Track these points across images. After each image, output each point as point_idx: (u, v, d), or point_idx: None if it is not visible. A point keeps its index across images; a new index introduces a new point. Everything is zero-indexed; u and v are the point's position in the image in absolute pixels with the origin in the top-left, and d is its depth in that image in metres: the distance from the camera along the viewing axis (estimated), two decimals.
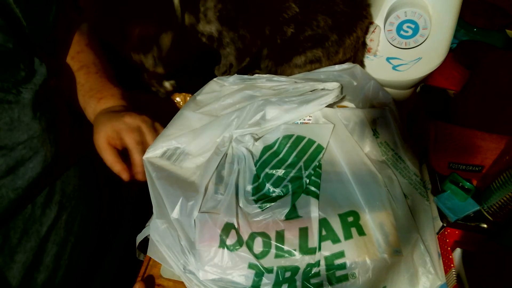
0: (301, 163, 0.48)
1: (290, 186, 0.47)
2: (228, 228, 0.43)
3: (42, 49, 0.54)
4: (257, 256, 0.42)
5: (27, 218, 0.49)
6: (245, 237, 0.43)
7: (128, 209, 0.72)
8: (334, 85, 0.53)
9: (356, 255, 0.42)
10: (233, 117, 0.51)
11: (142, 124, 0.56)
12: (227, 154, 0.51)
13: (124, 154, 0.55)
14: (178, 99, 0.73)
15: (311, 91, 0.54)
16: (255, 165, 0.49)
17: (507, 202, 0.44)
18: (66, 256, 0.54)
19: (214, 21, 0.56)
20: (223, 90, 0.58)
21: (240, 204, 0.46)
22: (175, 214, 0.45)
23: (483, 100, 0.57)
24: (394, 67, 0.63)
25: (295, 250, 0.42)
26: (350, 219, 0.44)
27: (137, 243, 0.50)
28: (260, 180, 0.48)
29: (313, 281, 0.42)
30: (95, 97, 0.59)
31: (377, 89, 0.57)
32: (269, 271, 0.42)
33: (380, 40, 0.61)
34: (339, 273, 0.42)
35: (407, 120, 0.66)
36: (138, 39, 0.55)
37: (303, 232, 0.43)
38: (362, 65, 0.65)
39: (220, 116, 0.53)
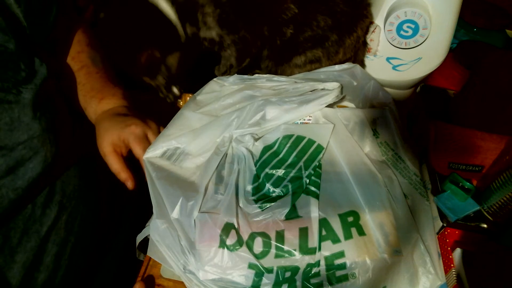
0: (301, 163, 0.48)
1: (290, 186, 0.47)
2: (228, 228, 0.43)
3: (42, 49, 0.54)
4: (257, 256, 0.42)
5: (27, 218, 0.49)
6: (245, 237, 0.43)
7: (128, 209, 0.72)
8: (334, 85, 0.53)
9: (356, 255, 0.42)
10: (233, 117, 0.51)
11: (149, 131, 0.56)
12: (227, 154, 0.51)
13: (128, 160, 0.56)
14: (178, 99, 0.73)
15: (311, 91, 0.54)
16: (255, 165, 0.49)
17: (507, 202, 0.44)
18: (66, 256, 0.54)
19: (215, 26, 0.56)
20: (223, 90, 0.58)
21: (240, 204, 0.46)
22: (175, 214, 0.45)
23: (483, 100, 0.57)
24: (394, 67, 0.63)
25: (295, 250, 0.42)
26: (350, 219, 0.44)
27: (137, 243, 0.50)
28: (260, 180, 0.48)
29: (313, 281, 0.42)
30: (96, 97, 0.59)
31: (377, 89, 0.57)
32: (269, 271, 0.42)
33: (380, 40, 0.61)
34: (339, 273, 0.42)
35: (407, 120, 0.66)
36: (146, 65, 0.57)
37: (303, 232, 0.43)
38: (362, 65, 0.65)
39: (220, 116, 0.53)
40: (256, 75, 0.59)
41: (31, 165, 0.47)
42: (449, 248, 0.46)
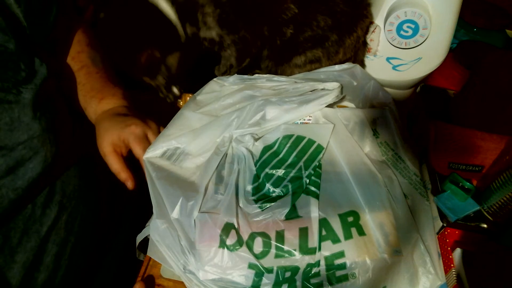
0: (301, 163, 0.48)
1: (290, 186, 0.47)
2: (228, 228, 0.43)
3: (42, 49, 0.54)
4: (257, 256, 0.42)
5: (27, 218, 0.49)
6: (245, 237, 0.43)
7: (128, 209, 0.72)
8: (334, 85, 0.53)
9: (356, 255, 0.42)
10: (233, 117, 0.51)
11: (149, 131, 0.56)
12: (227, 154, 0.51)
13: (128, 160, 0.56)
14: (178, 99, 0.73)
15: (311, 91, 0.54)
16: (255, 165, 0.49)
17: (507, 202, 0.44)
18: (66, 256, 0.54)
19: (215, 26, 0.56)
20: (223, 90, 0.58)
21: (240, 204, 0.46)
22: (175, 214, 0.45)
23: (483, 100, 0.57)
24: (394, 67, 0.63)
25: (295, 250, 0.42)
26: (350, 219, 0.44)
27: (137, 243, 0.50)
28: (260, 180, 0.48)
29: (313, 281, 0.42)
30: (96, 97, 0.59)
31: (377, 89, 0.57)
32: (269, 271, 0.42)
33: (380, 40, 0.61)
34: (339, 273, 0.42)
35: (407, 120, 0.66)
36: (146, 65, 0.57)
37: (303, 232, 0.43)
38: (362, 65, 0.65)
39: (220, 116, 0.53)
40: (256, 75, 0.59)
41: (31, 165, 0.47)
42: (449, 248, 0.46)
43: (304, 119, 0.51)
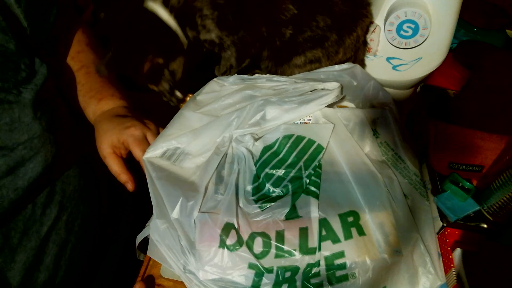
0: (301, 163, 0.48)
1: (290, 186, 0.47)
2: (228, 228, 0.43)
3: (42, 49, 0.54)
4: (257, 256, 0.42)
5: (27, 218, 0.49)
6: (245, 237, 0.43)
7: (128, 209, 0.72)
8: (334, 85, 0.53)
9: (356, 255, 0.42)
10: (233, 117, 0.51)
11: (148, 133, 0.56)
12: (227, 154, 0.51)
13: (127, 161, 0.56)
14: None
15: (311, 91, 0.54)
16: (255, 165, 0.49)
17: (507, 202, 0.44)
18: (66, 256, 0.54)
19: (214, 29, 0.56)
20: (223, 90, 0.58)
21: (240, 204, 0.46)
22: (175, 214, 0.45)
23: (483, 100, 0.57)
24: (394, 67, 0.63)
25: (295, 250, 0.42)
26: (350, 219, 0.44)
27: (137, 243, 0.50)
28: (260, 180, 0.48)
29: (313, 281, 0.42)
30: (95, 98, 0.59)
31: (377, 89, 0.57)
32: (269, 271, 0.42)
33: (380, 40, 0.61)
34: (339, 273, 0.42)
35: (407, 120, 0.66)
36: (149, 72, 0.57)
37: (303, 232, 0.43)
38: (362, 64, 0.65)
39: (220, 116, 0.53)
40: (256, 75, 0.59)
41: (31, 165, 0.47)
42: (449, 248, 0.46)
43: (304, 119, 0.51)
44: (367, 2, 0.61)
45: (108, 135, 0.54)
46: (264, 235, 0.43)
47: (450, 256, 0.45)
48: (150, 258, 0.53)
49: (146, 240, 0.49)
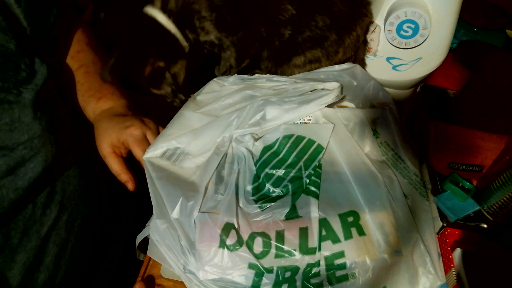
0: (301, 163, 0.48)
1: (290, 186, 0.47)
2: (228, 228, 0.43)
3: (42, 49, 0.54)
4: (257, 256, 0.42)
5: (27, 218, 0.49)
6: (245, 237, 0.43)
7: (128, 209, 0.72)
8: (334, 85, 0.53)
9: (356, 255, 0.42)
10: (233, 117, 0.51)
11: (148, 132, 0.56)
12: (227, 154, 0.51)
13: (127, 161, 0.56)
14: None
15: (311, 91, 0.54)
16: (255, 165, 0.49)
17: (507, 202, 0.44)
18: (66, 256, 0.54)
19: (213, 30, 0.56)
20: (223, 90, 0.58)
21: (240, 204, 0.46)
22: (175, 214, 0.45)
23: (483, 100, 0.57)
24: (394, 67, 0.63)
25: (295, 250, 0.42)
26: (350, 219, 0.44)
27: (137, 243, 0.50)
28: (260, 180, 0.48)
29: (313, 281, 0.42)
30: (94, 97, 0.59)
31: (377, 89, 0.57)
32: (269, 271, 0.42)
33: (380, 40, 0.61)
34: (339, 273, 0.42)
35: (407, 120, 0.66)
36: (151, 76, 0.57)
37: (303, 232, 0.43)
38: (363, 64, 0.65)
39: (220, 116, 0.53)
40: (256, 75, 0.59)
41: (32, 165, 0.47)
42: (449, 248, 0.46)
43: (304, 119, 0.51)
44: (366, 1, 0.61)
45: (107, 134, 0.54)
46: (264, 235, 0.43)
47: (450, 256, 0.45)
48: (150, 258, 0.53)
49: (146, 240, 0.49)
